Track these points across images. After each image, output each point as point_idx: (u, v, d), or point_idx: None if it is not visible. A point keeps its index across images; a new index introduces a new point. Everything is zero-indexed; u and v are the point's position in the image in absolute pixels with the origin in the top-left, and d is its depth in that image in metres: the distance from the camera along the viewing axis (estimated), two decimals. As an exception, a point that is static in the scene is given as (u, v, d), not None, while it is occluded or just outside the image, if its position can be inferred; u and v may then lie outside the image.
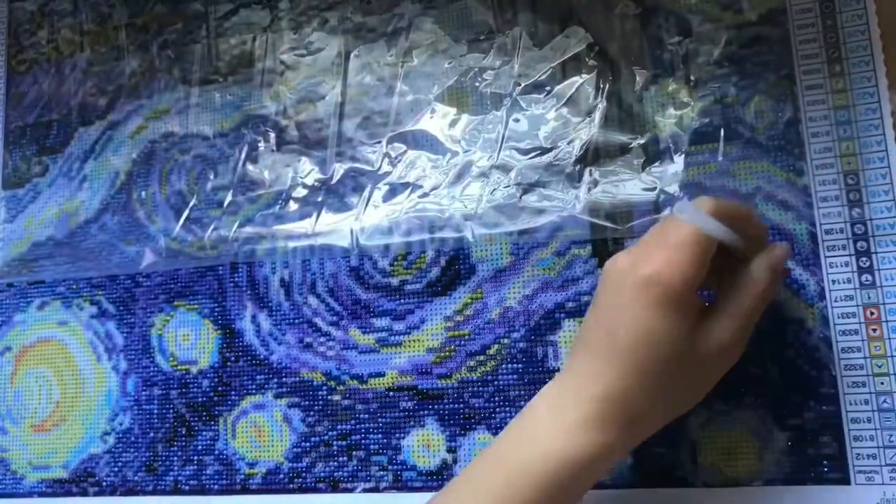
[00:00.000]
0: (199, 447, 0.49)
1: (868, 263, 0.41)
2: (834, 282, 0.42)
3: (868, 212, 0.41)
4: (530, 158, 0.47)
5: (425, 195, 0.48)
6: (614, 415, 0.35)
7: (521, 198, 0.46)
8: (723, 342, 0.36)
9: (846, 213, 0.42)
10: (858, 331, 0.41)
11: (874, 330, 0.41)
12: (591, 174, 0.46)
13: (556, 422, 0.35)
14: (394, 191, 0.49)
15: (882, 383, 0.40)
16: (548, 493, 0.34)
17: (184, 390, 0.50)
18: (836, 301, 0.41)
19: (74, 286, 0.54)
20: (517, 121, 0.47)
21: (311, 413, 0.48)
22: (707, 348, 0.35)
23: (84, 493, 0.51)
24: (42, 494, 0.52)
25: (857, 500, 0.39)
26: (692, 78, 0.45)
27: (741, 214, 0.37)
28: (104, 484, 0.50)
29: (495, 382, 0.46)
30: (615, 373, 0.35)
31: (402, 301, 0.48)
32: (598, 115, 0.46)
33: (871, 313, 0.41)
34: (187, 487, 0.49)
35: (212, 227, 0.51)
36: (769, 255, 0.37)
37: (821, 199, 0.42)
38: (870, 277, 0.41)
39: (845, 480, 0.40)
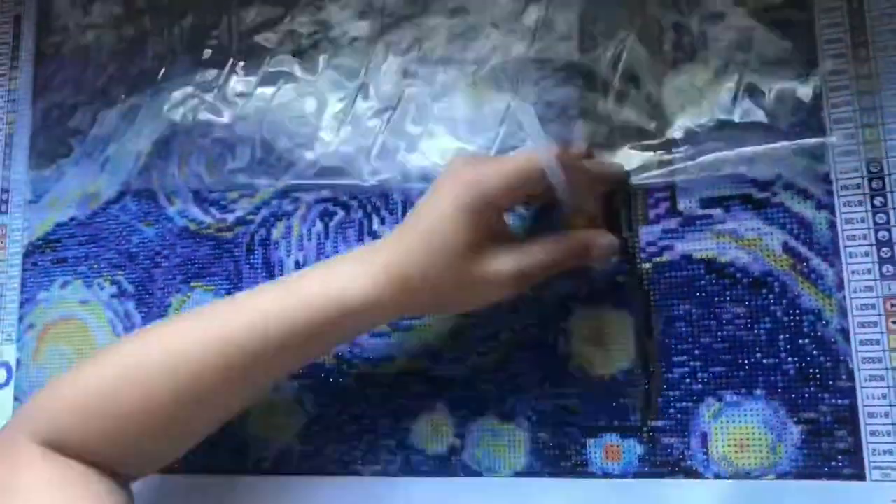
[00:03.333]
0: (213, 427, 0.50)
1: (889, 254, 0.40)
2: (853, 272, 0.40)
3: (891, 200, 0.40)
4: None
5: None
6: (390, 277, 0.39)
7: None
8: (497, 273, 0.39)
9: (868, 202, 0.41)
10: (878, 323, 0.40)
11: (895, 322, 0.40)
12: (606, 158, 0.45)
13: (345, 270, 0.40)
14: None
15: (901, 377, 0.39)
16: (320, 325, 0.40)
17: (199, 370, 0.51)
18: (855, 292, 0.40)
19: (95, 266, 0.54)
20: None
21: (323, 395, 0.48)
22: (484, 267, 0.39)
23: (101, 470, 0.51)
24: (61, 470, 0.52)
25: (871, 497, 0.38)
26: (713, 63, 0.44)
27: (588, 175, 0.41)
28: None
29: (506, 369, 0.45)
30: (405, 246, 0.39)
31: (415, 285, 0.47)
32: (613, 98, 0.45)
33: (892, 305, 0.40)
34: (200, 466, 0.49)
35: (229, 208, 0.52)
36: (584, 237, 0.41)
37: (842, 188, 0.41)
38: (891, 268, 0.40)
39: (860, 476, 0.39)
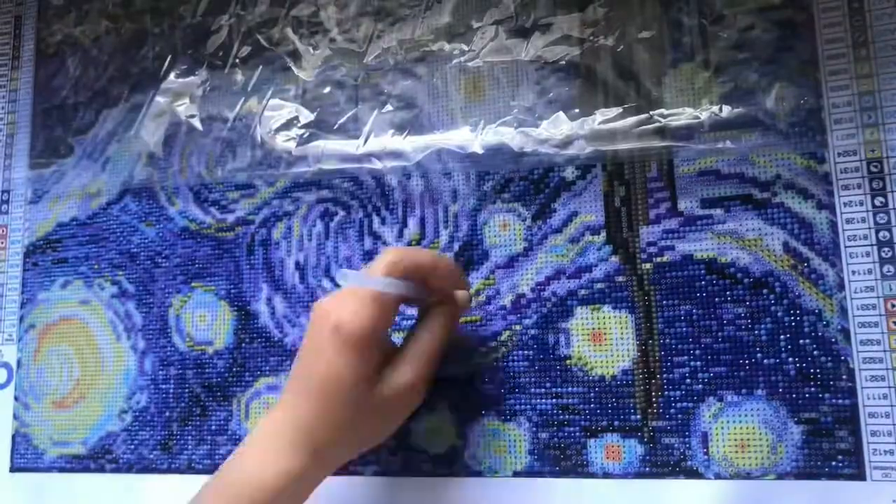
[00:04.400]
0: (213, 427, 0.50)
1: (890, 254, 0.40)
2: (854, 272, 0.40)
3: (892, 201, 0.40)
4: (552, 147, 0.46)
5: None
6: (303, 444, 0.39)
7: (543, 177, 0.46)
8: (400, 385, 0.40)
9: (868, 202, 0.41)
10: (879, 323, 0.40)
11: (895, 322, 0.40)
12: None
13: (259, 449, 0.40)
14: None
15: (901, 377, 0.39)
16: None
17: (199, 370, 0.51)
18: (855, 292, 0.40)
19: (96, 266, 0.54)
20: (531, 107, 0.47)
21: (323, 396, 0.48)
22: (388, 390, 0.40)
23: (101, 470, 0.51)
24: (62, 470, 0.53)
25: (871, 497, 0.38)
26: (712, 63, 0.44)
27: (432, 265, 0.41)
28: (121, 461, 0.51)
29: (506, 369, 0.45)
30: (307, 408, 0.39)
31: (415, 285, 0.48)
32: (613, 98, 0.45)
33: (893, 305, 0.40)
34: (201, 466, 0.49)
35: (230, 208, 0.52)
36: (447, 307, 0.42)
37: (842, 188, 0.41)
38: (892, 268, 0.40)
39: (860, 476, 0.39)
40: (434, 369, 0.42)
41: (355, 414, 0.39)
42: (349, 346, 0.38)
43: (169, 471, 0.50)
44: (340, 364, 0.39)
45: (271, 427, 0.40)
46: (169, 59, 0.55)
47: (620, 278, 0.44)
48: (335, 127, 0.51)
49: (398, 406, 0.41)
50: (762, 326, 0.41)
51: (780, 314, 0.41)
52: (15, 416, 0.54)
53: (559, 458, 0.44)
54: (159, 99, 0.55)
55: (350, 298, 0.39)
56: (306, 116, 0.51)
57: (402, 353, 0.41)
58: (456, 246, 0.47)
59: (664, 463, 0.42)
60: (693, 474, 0.41)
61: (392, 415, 0.42)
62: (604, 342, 0.44)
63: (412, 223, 0.48)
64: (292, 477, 0.39)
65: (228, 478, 0.40)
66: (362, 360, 0.39)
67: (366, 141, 0.50)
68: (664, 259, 0.44)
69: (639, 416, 0.43)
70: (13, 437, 0.54)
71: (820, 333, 0.40)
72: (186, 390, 0.51)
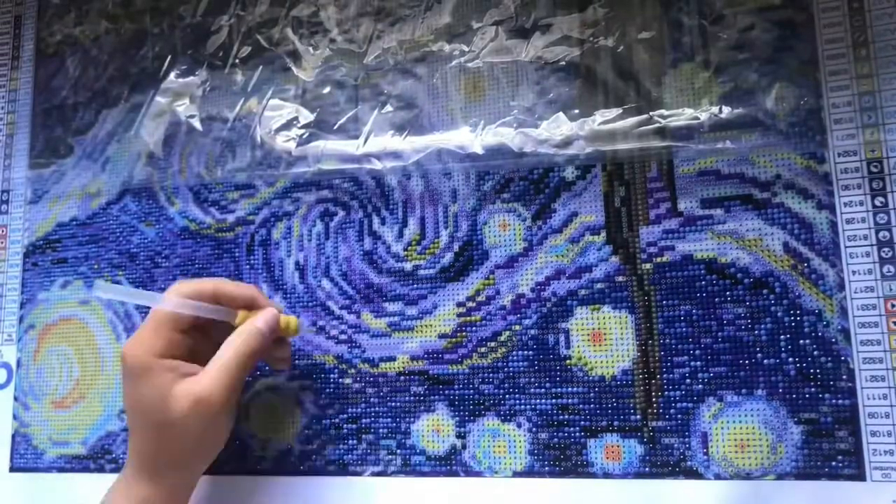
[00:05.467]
0: (213, 427, 0.50)
1: (890, 254, 0.40)
2: (854, 272, 0.40)
3: (892, 201, 0.40)
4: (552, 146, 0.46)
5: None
6: (141, 470, 0.42)
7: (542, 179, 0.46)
8: (194, 394, 0.41)
9: (868, 202, 0.41)
10: (879, 323, 0.40)
11: (895, 322, 0.40)
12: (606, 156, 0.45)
13: (118, 482, 0.43)
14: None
15: (901, 377, 0.39)
16: None
17: (199, 370, 0.51)
18: (855, 292, 0.40)
19: (96, 266, 0.54)
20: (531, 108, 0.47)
21: (323, 396, 0.48)
22: (181, 404, 0.40)
23: (101, 470, 0.51)
24: (61, 470, 0.52)
25: (871, 497, 0.38)
26: (712, 63, 0.44)
27: (214, 290, 0.43)
28: (120, 461, 0.51)
29: (506, 369, 0.45)
30: (132, 435, 0.42)
31: (415, 286, 0.48)
32: (614, 98, 0.45)
33: (893, 305, 0.40)
34: (200, 466, 0.49)
35: (230, 208, 0.52)
36: (257, 318, 0.43)
37: (842, 188, 0.41)
38: (892, 268, 0.40)
39: (860, 476, 0.39)
40: (237, 379, 0.42)
41: (161, 435, 0.41)
42: (128, 373, 0.41)
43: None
44: (129, 392, 0.42)
45: (126, 462, 0.43)
46: (169, 59, 0.55)
47: (620, 278, 0.44)
48: (335, 127, 0.51)
49: (199, 419, 0.41)
50: (762, 326, 0.41)
51: (780, 314, 0.41)
52: (14, 417, 0.54)
53: (559, 458, 0.44)
54: (159, 99, 0.55)
55: (137, 330, 0.42)
56: (306, 116, 0.51)
57: (205, 368, 0.42)
58: (456, 246, 0.47)
59: (664, 463, 0.42)
60: (693, 474, 0.41)
61: (195, 428, 0.41)
62: (604, 342, 0.44)
63: (412, 223, 0.48)
64: (143, 499, 0.42)
65: None
66: (153, 381, 0.41)
67: (366, 141, 0.50)
68: (664, 259, 0.44)
69: (639, 417, 0.43)
70: (13, 437, 0.54)
71: (820, 333, 0.40)
72: (186, 390, 0.51)
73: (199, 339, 0.44)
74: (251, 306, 0.44)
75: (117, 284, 0.43)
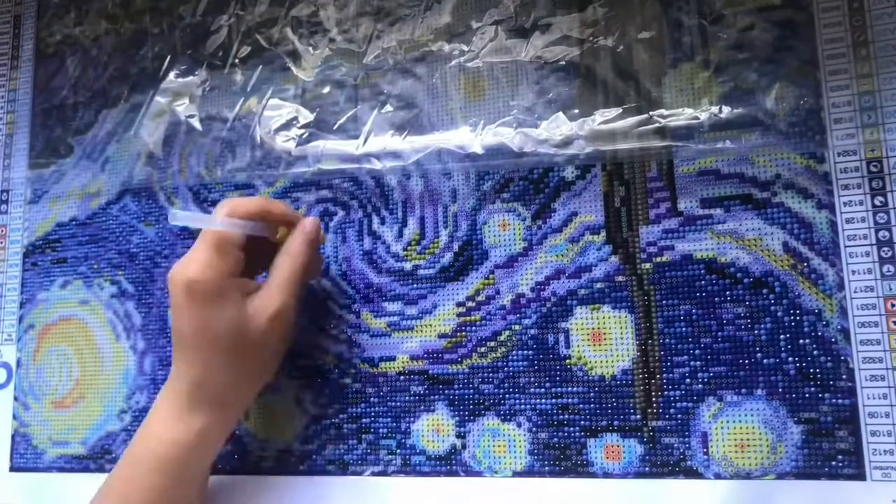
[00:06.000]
0: (213, 427, 0.50)
1: (890, 254, 0.40)
2: (854, 272, 0.40)
3: (891, 201, 0.40)
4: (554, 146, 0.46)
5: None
6: (200, 401, 0.41)
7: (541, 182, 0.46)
8: (270, 309, 0.42)
9: (868, 202, 0.41)
10: (878, 323, 0.40)
11: (895, 322, 0.40)
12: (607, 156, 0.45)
13: (162, 414, 0.42)
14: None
15: (901, 377, 0.39)
16: (162, 473, 0.41)
17: (199, 370, 0.51)
18: (855, 292, 0.40)
19: (95, 266, 0.54)
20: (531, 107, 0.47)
21: (323, 396, 0.48)
22: (259, 320, 0.41)
23: (101, 470, 0.51)
24: (61, 470, 0.52)
25: (872, 497, 0.38)
26: (712, 63, 0.44)
27: (262, 208, 0.43)
28: (120, 461, 0.51)
29: (506, 369, 0.45)
30: (191, 367, 0.41)
31: (415, 286, 0.48)
32: (614, 98, 0.45)
33: (893, 305, 0.40)
34: (200, 466, 0.49)
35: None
36: (299, 230, 0.44)
37: (842, 188, 0.41)
38: (891, 268, 0.40)
39: (860, 476, 0.39)
40: (299, 290, 0.43)
41: (235, 357, 0.41)
42: (202, 298, 0.40)
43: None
44: (201, 317, 0.40)
45: (168, 395, 0.42)
46: (168, 59, 0.55)
47: (620, 278, 0.44)
48: (335, 127, 0.51)
49: (275, 332, 0.42)
50: (762, 326, 0.41)
51: (779, 314, 0.41)
52: (14, 416, 0.54)
53: (559, 458, 0.44)
54: (159, 99, 0.55)
55: (192, 255, 0.41)
56: (306, 116, 0.51)
57: (267, 282, 0.43)
58: (456, 246, 0.47)
59: (664, 463, 0.42)
60: (693, 474, 0.41)
61: (272, 343, 0.43)
62: (603, 342, 0.44)
63: (412, 223, 0.48)
64: (195, 432, 0.41)
65: (138, 444, 0.42)
66: (224, 302, 0.40)
67: (365, 141, 0.50)
68: (664, 259, 0.44)
69: (639, 416, 0.43)
70: (13, 436, 0.54)
71: (820, 333, 0.40)
72: (186, 390, 0.51)
73: (244, 256, 0.44)
74: (286, 221, 0.45)
75: (187, 212, 0.44)
